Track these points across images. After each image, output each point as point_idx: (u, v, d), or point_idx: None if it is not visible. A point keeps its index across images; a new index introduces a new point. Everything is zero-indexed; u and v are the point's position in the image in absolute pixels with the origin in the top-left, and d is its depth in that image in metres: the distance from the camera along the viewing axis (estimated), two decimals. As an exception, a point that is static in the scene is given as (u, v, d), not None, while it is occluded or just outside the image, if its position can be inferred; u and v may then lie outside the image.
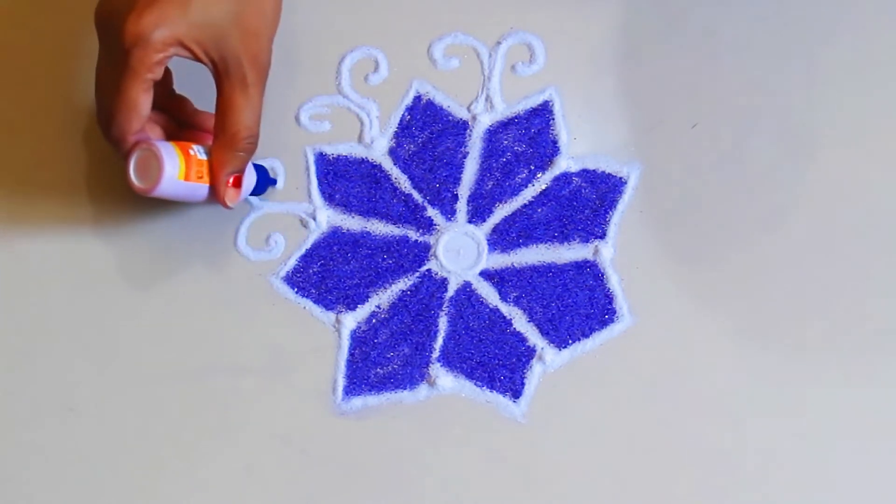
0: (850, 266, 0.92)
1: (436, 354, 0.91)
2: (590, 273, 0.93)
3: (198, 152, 0.86)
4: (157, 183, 0.84)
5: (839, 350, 0.90)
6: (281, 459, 0.88)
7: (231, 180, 0.87)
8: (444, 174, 0.94)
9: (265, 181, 0.91)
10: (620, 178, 0.94)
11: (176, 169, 0.84)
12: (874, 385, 0.90)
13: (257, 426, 0.88)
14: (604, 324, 0.91)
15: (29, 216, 0.93)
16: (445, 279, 0.92)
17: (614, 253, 0.93)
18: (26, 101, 0.95)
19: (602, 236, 0.93)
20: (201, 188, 0.86)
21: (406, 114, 0.96)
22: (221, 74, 0.84)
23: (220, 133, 0.85)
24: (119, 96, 0.83)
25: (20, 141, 0.94)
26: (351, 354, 0.91)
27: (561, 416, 0.89)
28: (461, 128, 0.95)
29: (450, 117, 0.96)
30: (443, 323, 0.92)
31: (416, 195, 0.94)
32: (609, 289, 0.92)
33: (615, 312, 0.92)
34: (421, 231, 0.93)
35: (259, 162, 0.93)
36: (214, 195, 0.87)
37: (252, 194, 0.91)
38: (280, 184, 0.92)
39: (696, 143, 0.95)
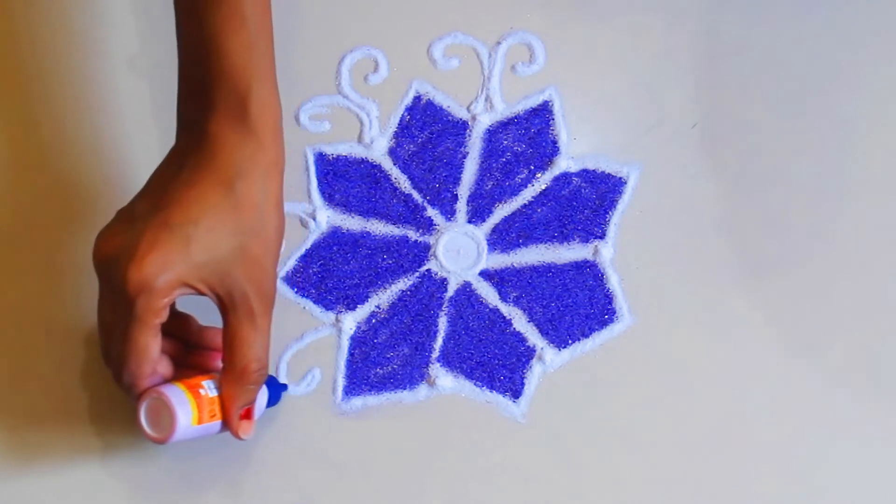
0: (851, 265, 0.92)
1: (436, 354, 0.91)
2: (590, 273, 0.93)
3: (209, 390, 0.83)
4: (172, 433, 0.81)
5: (840, 349, 0.90)
6: (281, 459, 0.88)
7: (242, 412, 0.84)
8: (443, 174, 0.94)
9: (276, 392, 0.88)
10: (620, 178, 0.94)
11: (189, 417, 0.81)
12: (875, 384, 0.90)
13: (257, 426, 0.88)
14: (604, 324, 0.91)
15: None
16: (445, 279, 0.92)
17: (614, 253, 0.93)
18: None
19: (602, 236, 0.93)
20: (214, 426, 0.83)
21: (406, 114, 0.96)
22: (228, 308, 0.81)
23: (229, 367, 0.82)
24: (127, 344, 0.80)
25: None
26: (351, 354, 0.91)
27: (561, 416, 0.89)
28: (461, 128, 0.95)
29: (450, 117, 0.96)
30: (443, 323, 0.92)
31: (416, 195, 0.94)
32: (609, 289, 0.92)
33: (615, 312, 0.92)
34: (421, 231, 0.93)
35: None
36: (228, 428, 0.84)
37: (268, 406, 0.88)
38: (289, 390, 0.90)
39: (696, 143, 0.95)
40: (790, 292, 0.91)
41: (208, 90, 0.81)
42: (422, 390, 0.90)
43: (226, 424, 0.83)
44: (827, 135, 0.95)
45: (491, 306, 0.92)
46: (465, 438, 0.89)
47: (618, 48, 0.97)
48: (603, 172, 0.94)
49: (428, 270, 0.93)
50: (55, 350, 0.90)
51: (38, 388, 0.90)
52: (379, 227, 0.93)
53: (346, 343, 0.91)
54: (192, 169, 0.81)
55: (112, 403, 0.89)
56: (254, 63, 0.81)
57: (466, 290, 0.92)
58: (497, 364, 0.91)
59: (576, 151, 0.95)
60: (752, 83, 0.96)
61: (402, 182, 0.94)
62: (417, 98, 0.96)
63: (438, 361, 0.91)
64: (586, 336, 0.91)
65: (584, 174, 0.94)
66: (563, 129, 0.95)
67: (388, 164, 0.95)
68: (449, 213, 0.94)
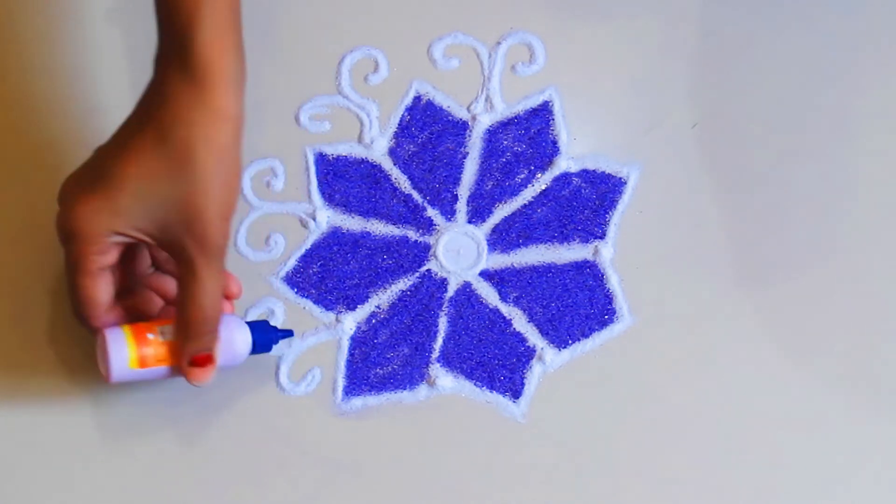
0: (851, 265, 0.92)
1: (435, 355, 0.91)
2: (590, 273, 0.93)
3: (160, 335, 0.83)
4: (109, 375, 0.83)
5: (839, 349, 0.90)
6: (281, 459, 0.88)
7: (194, 360, 0.83)
8: (443, 174, 0.94)
9: (267, 338, 0.87)
10: (620, 178, 0.94)
11: (125, 360, 0.82)
12: (874, 384, 0.90)
13: (257, 426, 0.88)
14: (604, 324, 0.91)
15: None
16: (445, 279, 0.92)
17: (614, 253, 0.93)
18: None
19: (602, 236, 0.93)
20: (163, 370, 0.84)
21: (406, 114, 0.96)
22: (173, 258, 0.81)
23: (177, 318, 0.82)
24: (71, 288, 0.83)
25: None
26: (351, 355, 0.91)
27: (561, 416, 0.89)
28: (461, 128, 0.95)
29: (450, 117, 0.96)
30: (443, 323, 0.92)
31: (416, 195, 0.94)
32: (609, 289, 0.92)
33: (615, 312, 0.92)
34: (421, 231, 0.93)
35: (257, 160, 0.93)
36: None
37: (257, 352, 0.87)
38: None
39: (696, 143, 0.95)
40: (790, 292, 0.91)
41: (161, 35, 0.80)
42: (422, 390, 0.90)
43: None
44: (827, 135, 0.95)
45: (491, 306, 0.92)
46: (465, 438, 0.89)
47: (618, 48, 0.97)
48: (603, 172, 0.94)
49: (428, 271, 0.93)
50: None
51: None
52: (379, 228, 0.93)
53: (346, 343, 0.91)
54: (137, 117, 0.81)
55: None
56: (203, 10, 0.78)
57: (466, 290, 0.92)
58: (497, 364, 0.91)
59: (576, 151, 0.95)
60: (752, 83, 0.96)
61: (402, 182, 0.94)
62: (417, 98, 0.96)
63: (438, 361, 0.91)
64: (586, 336, 0.91)
65: (584, 174, 0.94)
66: (563, 129, 0.95)
67: (388, 165, 0.95)
68: (449, 214, 0.94)
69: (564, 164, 0.95)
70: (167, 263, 0.87)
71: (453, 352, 0.91)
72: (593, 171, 0.95)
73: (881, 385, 0.90)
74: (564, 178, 0.94)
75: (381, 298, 0.92)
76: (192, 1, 0.78)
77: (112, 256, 0.82)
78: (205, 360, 0.83)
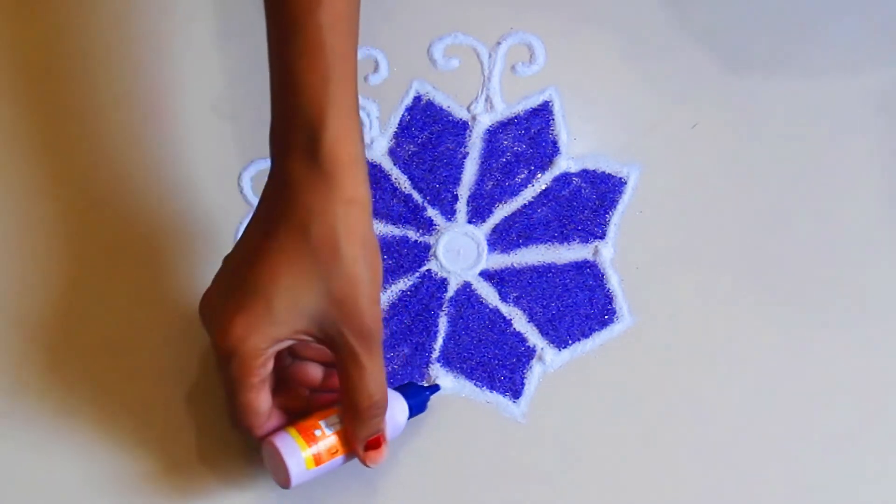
0: (851, 266, 0.92)
1: (435, 355, 0.91)
2: (590, 273, 0.93)
3: (326, 428, 0.83)
4: (289, 480, 0.82)
5: (840, 350, 0.90)
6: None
7: (368, 444, 0.83)
8: (443, 174, 0.94)
9: (420, 399, 0.87)
10: (620, 179, 0.94)
11: (301, 464, 0.82)
12: (875, 383, 0.90)
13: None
14: (604, 324, 0.91)
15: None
16: (445, 279, 0.92)
17: (614, 253, 0.93)
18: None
19: (602, 236, 0.93)
20: (338, 461, 0.84)
21: (406, 114, 0.96)
22: (333, 350, 0.80)
23: (345, 407, 0.82)
24: (235, 404, 0.81)
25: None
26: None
27: (561, 416, 0.89)
28: (461, 128, 0.95)
29: (450, 117, 0.96)
30: (443, 323, 0.92)
31: (416, 195, 0.94)
32: (609, 289, 0.92)
33: (615, 312, 0.92)
34: (421, 231, 0.93)
35: (257, 160, 0.93)
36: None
37: (413, 416, 0.87)
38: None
39: (696, 143, 0.95)
40: (790, 292, 0.91)
41: (285, 129, 0.79)
42: (422, 390, 0.90)
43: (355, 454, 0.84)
44: (828, 134, 0.95)
45: (491, 306, 0.92)
46: (465, 438, 0.89)
47: (618, 48, 0.97)
48: (603, 172, 0.94)
49: (428, 271, 0.93)
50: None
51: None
52: (379, 228, 0.93)
53: (346, 343, 0.91)
54: (271, 219, 0.80)
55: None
56: (329, 96, 0.78)
57: (466, 290, 0.92)
58: (497, 364, 0.91)
59: (576, 151, 0.95)
60: (752, 83, 0.96)
61: (402, 182, 0.94)
62: (417, 98, 0.96)
63: (438, 361, 0.91)
64: (586, 336, 0.91)
65: (584, 174, 0.95)
66: (563, 129, 0.95)
67: (388, 165, 0.95)
68: (449, 214, 0.94)
69: (564, 164, 0.95)
70: (304, 350, 0.85)
71: (453, 352, 0.91)
72: (593, 171, 0.95)
73: (882, 385, 0.90)
74: (564, 178, 0.94)
75: (381, 298, 0.92)
76: (321, 94, 0.78)
77: (271, 364, 0.81)
78: (378, 441, 0.83)
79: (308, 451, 0.82)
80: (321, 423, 0.83)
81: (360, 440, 0.83)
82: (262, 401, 0.82)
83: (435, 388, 0.88)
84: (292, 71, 0.79)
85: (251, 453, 0.87)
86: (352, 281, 0.79)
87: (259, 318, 0.79)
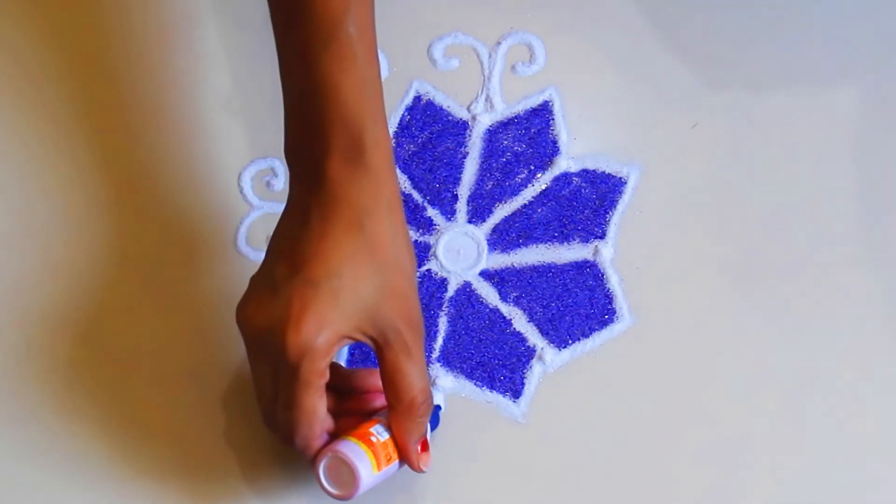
0: (850, 267, 0.92)
1: (436, 354, 0.91)
2: (590, 273, 0.93)
3: (378, 435, 0.82)
4: (356, 489, 0.81)
5: (841, 350, 0.90)
6: (281, 459, 0.88)
7: (420, 446, 0.84)
8: (443, 174, 0.94)
9: (435, 416, 0.87)
10: (620, 178, 0.94)
11: (369, 469, 0.81)
12: (875, 383, 0.90)
13: (258, 426, 0.88)
14: (604, 324, 0.91)
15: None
16: (445, 279, 0.92)
17: (614, 253, 0.93)
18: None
19: (602, 236, 0.93)
20: (393, 468, 0.83)
21: (406, 114, 0.96)
22: (383, 347, 0.81)
23: (395, 404, 0.81)
24: (296, 409, 0.80)
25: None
26: (351, 355, 0.91)
27: (561, 416, 0.89)
28: (461, 128, 0.95)
29: (450, 117, 0.96)
30: (442, 323, 0.92)
31: (416, 195, 0.94)
32: (609, 289, 0.92)
33: (615, 312, 0.92)
34: (421, 231, 0.93)
35: (257, 160, 0.93)
36: (409, 465, 0.84)
37: (433, 430, 0.87)
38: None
39: (696, 143, 0.95)
40: (790, 292, 0.91)
41: (323, 132, 0.81)
42: (422, 390, 0.90)
43: (405, 462, 0.83)
44: (828, 134, 0.95)
45: (491, 306, 0.92)
46: (465, 438, 0.89)
47: (618, 48, 0.97)
48: (603, 172, 0.94)
49: (428, 270, 0.93)
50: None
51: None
52: (379, 227, 0.93)
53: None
54: (319, 219, 0.80)
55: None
56: (365, 101, 0.81)
57: (466, 290, 0.92)
58: (497, 364, 0.91)
59: (576, 151, 0.95)
60: (752, 83, 0.96)
61: (402, 182, 0.94)
62: (417, 98, 0.96)
63: (438, 361, 0.91)
64: (586, 336, 0.91)
65: (584, 174, 0.95)
66: (563, 129, 0.95)
67: (388, 164, 0.95)
68: (449, 213, 0.94)
69: (564, 164, 0.95)
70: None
71: (453, 352, 0.91)
72: (593, 171, 0.95)
73: (882, 385, 0.90)
74: (564, 178, 0.94)
75: (381, 298, 0.92)
76: (360, 99, 0.81)
77: (329, 373, 0.81)
78: (426, 443, 0.84)
79: (372, 456, 0.81)
80: (372, 430, 0.82)
81: (415, 440, 0.83)
82: (323, 407, 0.81)
83: (438, 406, 0.88)
84: (327, 79, 0.81)
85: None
86: (405, 275, 0.81)
87: (329, 311, 0.79)
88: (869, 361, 0.90)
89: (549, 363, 0.90)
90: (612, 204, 0.94)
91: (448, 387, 0.90)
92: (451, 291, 0.92)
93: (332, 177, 0.81)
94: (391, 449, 0.82)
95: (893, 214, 0.93)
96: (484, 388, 0.90)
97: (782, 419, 0.89)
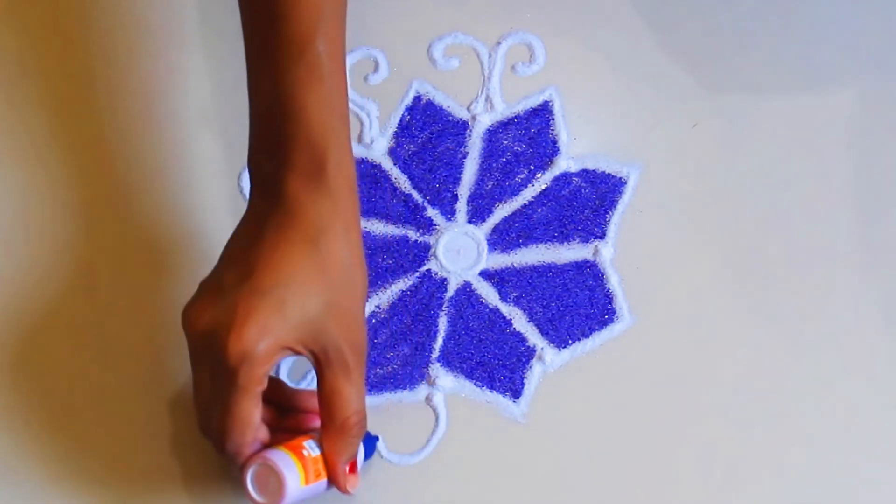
0: (850, 267, 0.92)
1: (435, 354, 0.91)
2: (590, 273, 0.93)
3: (311, 450, 0.82)
4: (282, 498, 0.80)
5: (841, 350, 0.90)
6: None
7: (348, 467, 0.83)
8: (443, 174, 0.94)
9: (371, 444, 0.87)
10: (620, 178, 0.94)
11: (297, 480, 0.81)
12: (875, 383, 0.90)
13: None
14: (604, 324, 0.91)
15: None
16: (445, 279, 0.92)
17: (614, 253, 0.93)
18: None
19: (602, 236, 0.93)
20: (320, 485, 0.82)
21: (406, 114, 0.96)
22: (323, 364, 0.81)
23: (328, 423, 0.81)
24: (230, 415, 0.80)
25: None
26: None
27: (561, 416, 0.89)
28: (461, 128, 0.95)
29: (450, 117, 0.96)
30: (443, 323, 0.92)
31: (416, 195, 0.94)
32: (609, 289, 0.92)
33: (615, 312, 0.92)
34: (421, 231, 0.93)
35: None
36: (335, 485, 0.83)
37: (366, 459, 0.87)
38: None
39: (696, 143, 0.95)
40: (790, 292, 0.91)
41: (285, 147, 0.81)
42: (422, 390, 0.90)
43: (332, 481, 0.83)
44: (828, 135, 0.95)
45: (491, 306, 0.92)
46: (465, 438, 0.89)
47: (618, 48, 0.97)
48: (603, 172, 0.94)
49: (428, 270, 0.93)
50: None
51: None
52: (379, 227, 0.93)
53: (346, 343, 0.91)
54: (274, 230, 0.80)
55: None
56: (331, 121, 0.81)
57: (466, 290, 0.92)
58: (497, 364, 0.91)
59: (576, 151, 0.95)
60: (752, 83, 0.96)
61: (402, 182, 0.94)
62: (417, 98, 0.96)
63: (438, 361, 0.91)
64: (586, 336, 0.91)
65: (584, 174, 0.95)
66: (563, 129, 0.95)
67: (388, 164, 0.95)
68: (449, 213, 0.94)
69: (564, 164, 0.95)
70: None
71: (453, 351, 0.91)
72: (593, 171, 0.95)
73: (883, 384, 0.90)
74: (564, 178, 0.94)
75: (381, 298, 0.92)
76: (326, 119, 0.81)
77: (266, 382, 0.81)
78: (354, 465, 0.84)
79: (302, 468, 0.81)
80: (305, 444, 0.82)
81: (344, 461, 0.82)
82: (257, 415, 0.81)
83: (375, 438, 0.88)
84: (293, 95, 0.81)
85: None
86: (355, 297, 0.81)
87: (273, 320, 0.79)
88: (869, 361, 0.90)
89: (549, 363, 0.90)
90: (612, 204, 0.94)
91: (448, 387, 0.90)
92: (451, 291, 0.92)
93: (290, 192, 0.80)
94: (321, 466, 0.82)
95: (893, 214, 0.93)
96: (484, 388, 0.90)
97: (782, 419, 0.89)
